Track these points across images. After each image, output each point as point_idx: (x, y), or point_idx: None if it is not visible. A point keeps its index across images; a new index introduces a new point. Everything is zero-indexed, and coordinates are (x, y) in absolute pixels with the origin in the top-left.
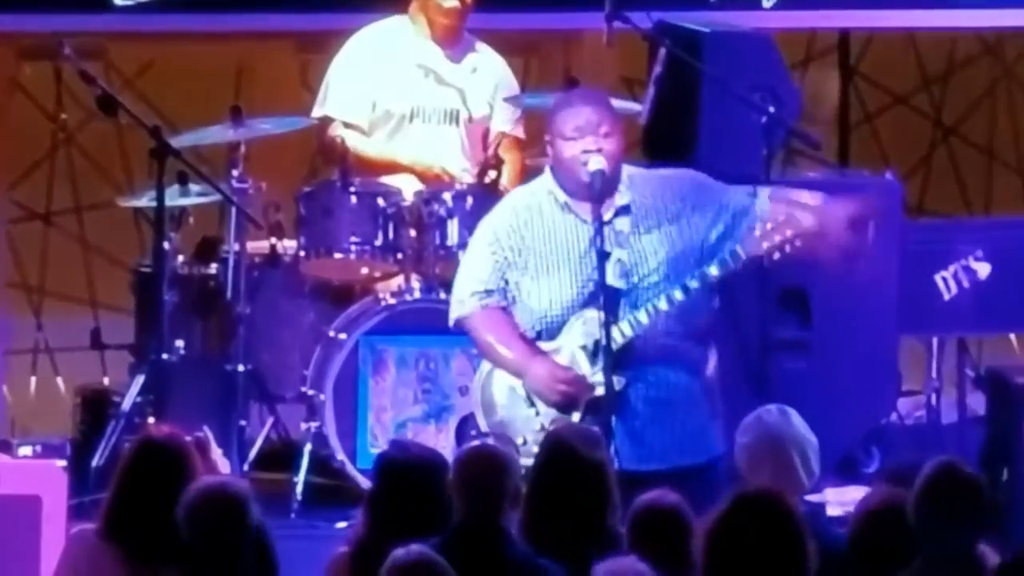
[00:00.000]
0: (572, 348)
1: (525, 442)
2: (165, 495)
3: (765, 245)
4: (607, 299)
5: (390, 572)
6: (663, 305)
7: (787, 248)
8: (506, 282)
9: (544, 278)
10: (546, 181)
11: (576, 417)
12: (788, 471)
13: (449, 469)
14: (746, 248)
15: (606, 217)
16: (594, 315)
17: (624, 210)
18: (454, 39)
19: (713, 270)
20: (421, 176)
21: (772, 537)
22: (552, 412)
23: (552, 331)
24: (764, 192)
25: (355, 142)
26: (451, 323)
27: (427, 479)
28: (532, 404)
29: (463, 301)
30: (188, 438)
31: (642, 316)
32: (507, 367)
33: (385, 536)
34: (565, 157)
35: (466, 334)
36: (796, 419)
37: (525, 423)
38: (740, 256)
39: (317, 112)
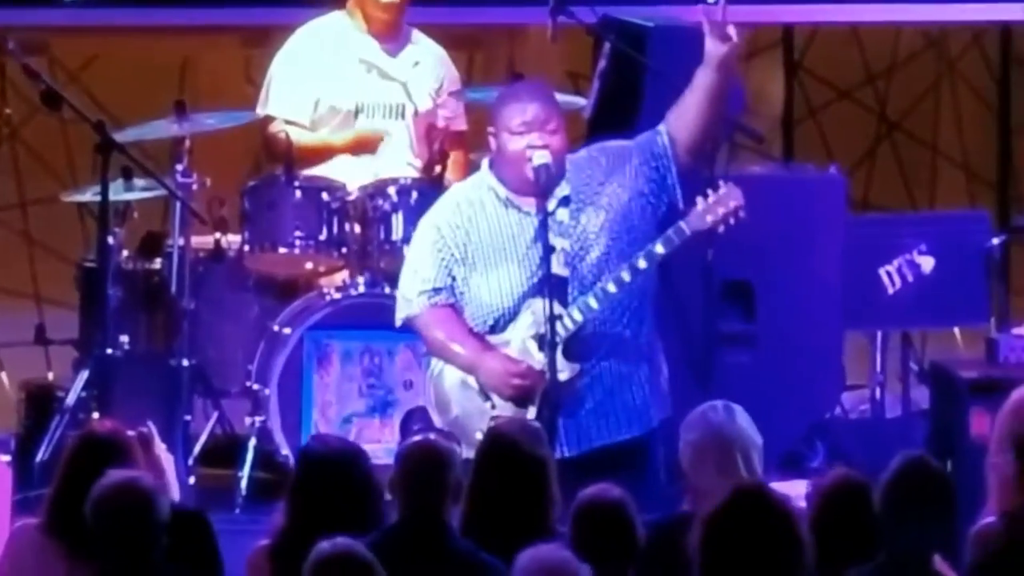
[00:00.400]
0: (523, 338)
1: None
2: None
3: (709, 219)
4: (553, 289)
5: (314, 565)
6: (612, 288)
7: (731, 220)
8: (453, 279)
9: (492, 272)
10: (485, 176)
11: (532, 411)
12: (731, 469)
13: (368, 462)
14: (691, 224)
15: (549, 208)
16: (542, 304)
17: (564, 200)
18: (392, 33)
19: (659, 248)
20: (366, 144)
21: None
22: (508, 405)
23: (503, 324)
24: (663, 124)
25: (298, 136)
26: (398, 322)
27: (345, 471)
28: (487, 398)
29: (410, 300)
30: (131, 433)
31: (592, 301)
32: (459, 364)
33: (303, 529)
34: (510, 151)
35: (414, 332)
36: (741, 417)
37: (481, 417)
38: (685, 232)
39: (260, 110)
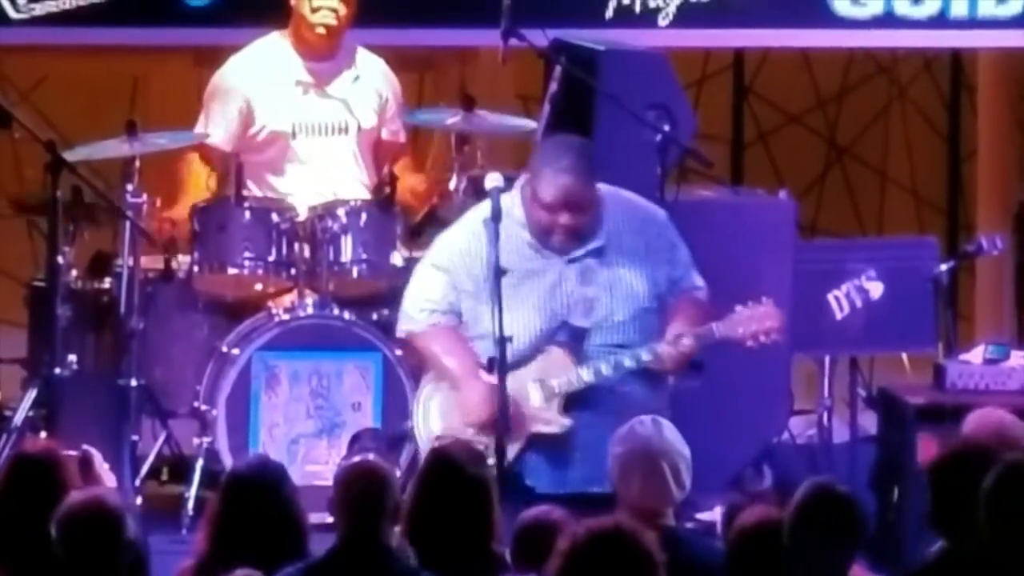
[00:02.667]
0: (526, 382)
1: None
2: (40, 510)
3: (740, 331)
4: (572, 337)
5: None
6: (628, 363)
7: (761, 339)
8: (458, 305)
9: (511, 308)
10: (516, 209)
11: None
12: (658, 482)
13: (288, 484)
14: (720, 330)
15: (577, 254)
16: (560, 355)
17: (597, 252)
18: (330, 54)
19: (687, 341)
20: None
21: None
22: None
23: (515, 363)
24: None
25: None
26: (399, 334)
27: (261, 494)
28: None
29: (413, 317)
30: (70, 453)
31: (605, 368)
32: (448, 378)
33: (222, 548)
34: (537, 219)
35: (414, 347)
36: (669, 431)
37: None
38: (714, 335)
39: (199, 130)
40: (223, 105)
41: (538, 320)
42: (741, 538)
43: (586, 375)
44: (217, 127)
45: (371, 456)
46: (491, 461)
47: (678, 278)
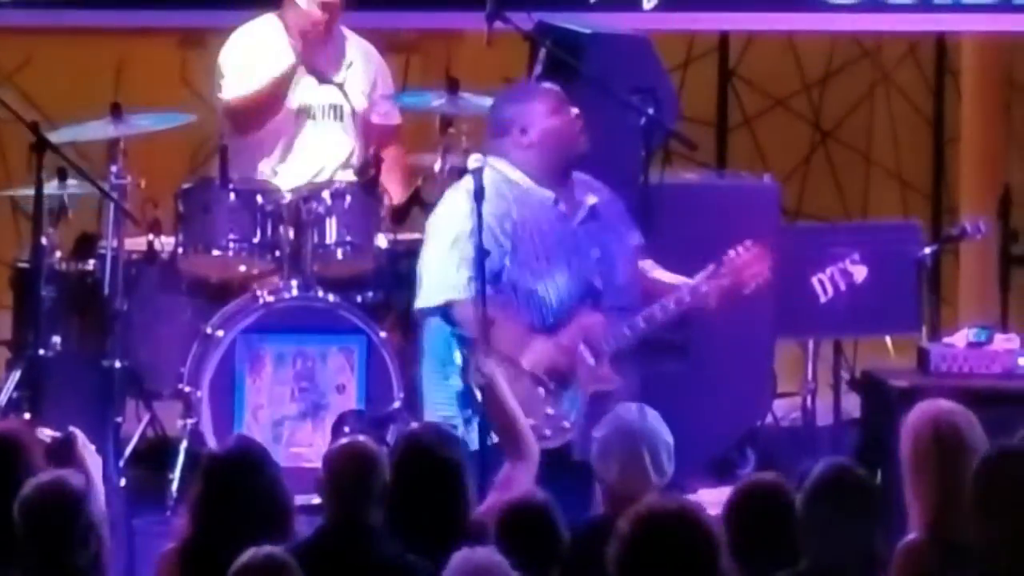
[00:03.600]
0: (577, 341)
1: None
2: (1, 491)
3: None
4: (594, 299)
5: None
6: (660, 315)
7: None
8: (500, 270)
9: (551, 274)
10: (515, 175)
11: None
12: (637, 466)
13: (270, 464)
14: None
15: (580, 216)
16: (595, 316)
17: (593, 212)
18: (322, 40)
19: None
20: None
21: (690, 556)
22: (565, 394)
23: (556, 325)
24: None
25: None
26: (436, 302)
27: (242, 475)
28: (538, 383)
29: (455, 285)
30: (50, 433)
31: (639, 324)
32: (504, 345)
33: (205, 531)
34: (556, 127)
35: (450, 318)
36: (652, 416)
37: (537, 404)
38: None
39: (219, 102)
40: (245, 66)
41: (573, 283)
42: (744, 507)
43: (628, 332)
44: (246, 79)
45: (360, 438)
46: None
47: (641, 245)
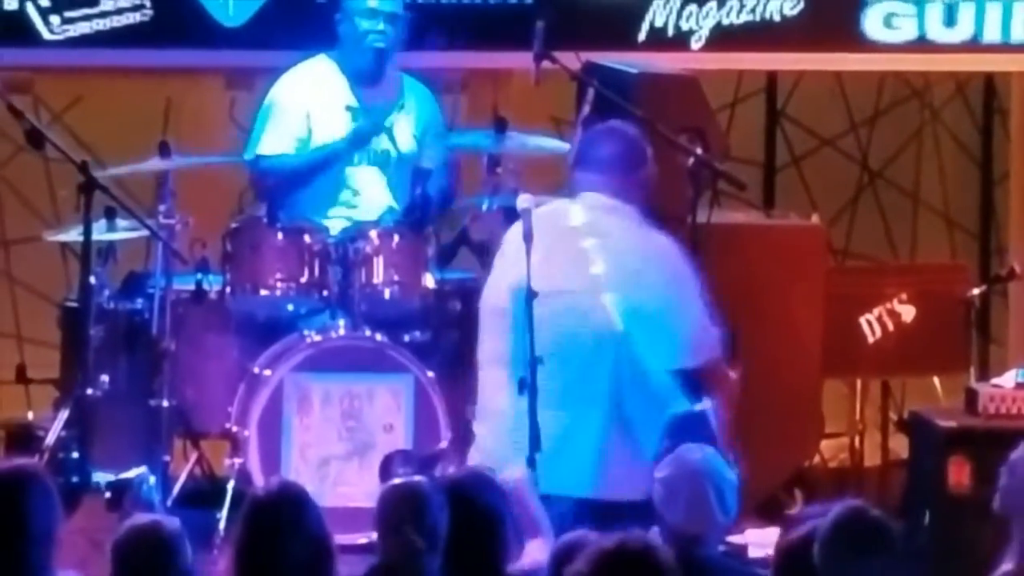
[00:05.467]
0: None
1: None
2: None
3: None
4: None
5: None
6: None
7: None
8: None
9: None
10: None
11: None
12: (703, 506)
13: (311, 507)
14: None
15: None
16: None
17: None
18: (376, 80)
19: None
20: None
21: None
22: None
23: None
24: None
25: (288, 160)
26: (690, 364)
27: (283, 514)
28: None
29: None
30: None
31: None
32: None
33: (248, 573)
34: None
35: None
36: (715, 456)
37: None
38: None
39: (248, 154)
40: (287, 118)
41: None
42: (784, 555)
43: None
44: (281, 139)
45: (415, 477)
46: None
47: None
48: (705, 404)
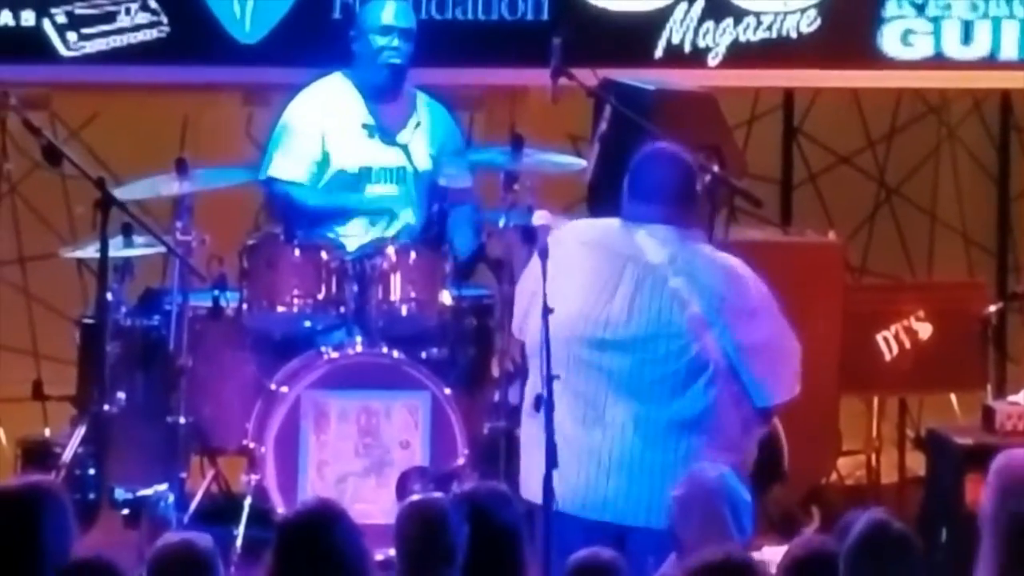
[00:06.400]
0: None
1: None
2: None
3: None
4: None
5: None
6: None
7: None
8: None
9: None
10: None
11: None
12: (718, 525)
13: (346, 524)
14: None
15: None
16: None
17: None
18: (392, 96)
19: None
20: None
21: None
22: None
23: None
24: None
25: (300, 194)
26: (796, 392)
27: (317, 536)
28: None
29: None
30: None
31: None
32: None
33: None
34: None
35: None
36: (730, 476)
37: None
38: None
39: (262, 175)
40: (301, 140)
41: None
42: (794, 567)
43: None
44: (295, 163)
45: (434, 495)
46: None
47: None
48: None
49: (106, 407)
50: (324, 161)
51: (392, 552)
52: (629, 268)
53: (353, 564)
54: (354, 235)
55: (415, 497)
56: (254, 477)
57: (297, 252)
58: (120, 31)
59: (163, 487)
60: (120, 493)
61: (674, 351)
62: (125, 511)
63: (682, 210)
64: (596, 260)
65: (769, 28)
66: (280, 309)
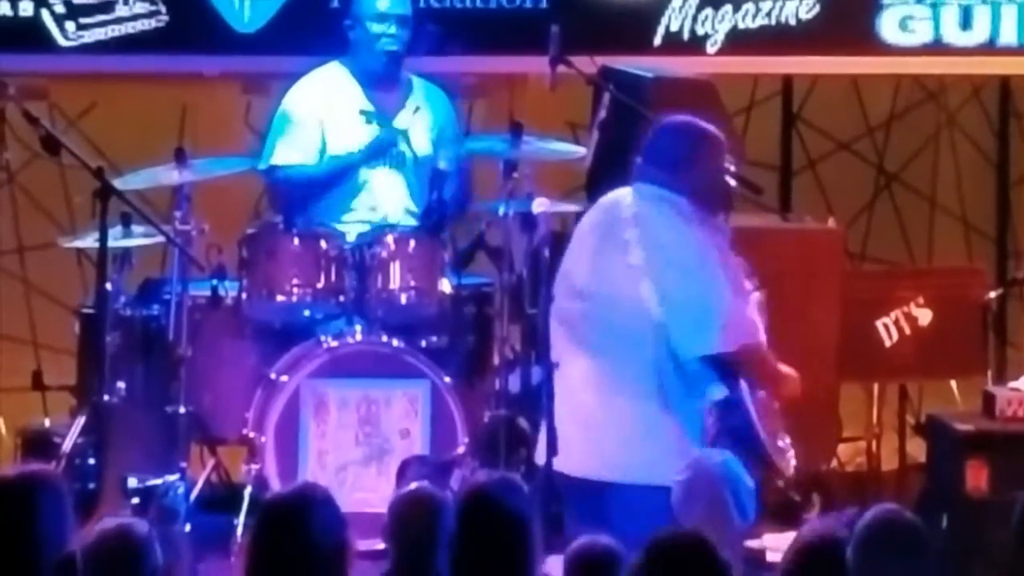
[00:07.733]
0: None
1: None
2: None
3: None
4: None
5: None
6: None
7: None
8: None
9: None
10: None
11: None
12: (720, 509)
13: (326, 511)
14: None
15: None
16: None
17: None
18: (390, 83)
19: None
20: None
21: None
22: None
23: None
24: None
25: (305, 169)
26: (729, 348)
27: (291, 518)
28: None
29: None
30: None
31: None
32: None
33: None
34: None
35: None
36: (734, 461)
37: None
38: None
39: (263, 164)
40: (300, 129)
41: None
42: (800, 553)
43: None
44: (298, 151)
45: (426, 484)
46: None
47: None
48: (741, 390)
49: (106, 397)
50: (324, 149)
51: None
52: (602, 221)
53: (328, 550)
54: (354, 222)
55: (409, 487)
56: (254, 466)
57: (296, 241)
58: (118, 20)
59: (174, 477)
60: (132, 482)
61: (617, 301)
62: (135, 500)
63: (669, 175)
64: (592, 218)
65: (768, 15)
66: (280, 298)
